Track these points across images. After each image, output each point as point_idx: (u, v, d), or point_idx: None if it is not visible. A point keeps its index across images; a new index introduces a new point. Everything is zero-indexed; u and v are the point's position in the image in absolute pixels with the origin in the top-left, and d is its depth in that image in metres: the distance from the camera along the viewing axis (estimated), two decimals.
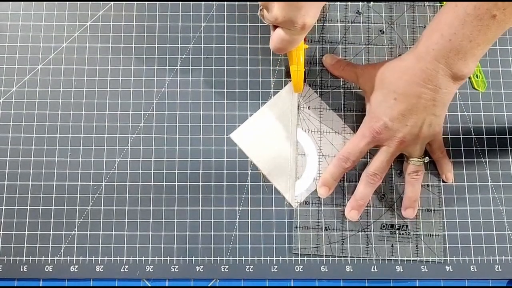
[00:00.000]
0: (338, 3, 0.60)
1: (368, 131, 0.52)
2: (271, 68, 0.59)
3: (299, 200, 0.55)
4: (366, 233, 0.55)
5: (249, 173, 0.56)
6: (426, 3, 0.60)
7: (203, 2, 0.60)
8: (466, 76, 0.48)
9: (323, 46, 0.59)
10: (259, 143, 0.57)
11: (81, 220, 0.55)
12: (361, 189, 0.54)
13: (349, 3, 0.60)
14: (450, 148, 0.57)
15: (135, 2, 0.60)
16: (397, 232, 0.55)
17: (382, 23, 0.60)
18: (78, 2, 0.60)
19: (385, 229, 0.55)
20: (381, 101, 0.51)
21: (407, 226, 0.55)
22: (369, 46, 0.59)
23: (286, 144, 0.57)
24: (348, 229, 0.55)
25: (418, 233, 0.55)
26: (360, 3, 0.60)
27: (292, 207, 0.55)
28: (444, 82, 0.48)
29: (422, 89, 0.48)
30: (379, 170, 0.53)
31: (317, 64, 0.59)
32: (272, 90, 0.58)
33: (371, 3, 0.60)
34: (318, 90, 0.58)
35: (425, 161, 0.54)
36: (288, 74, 0.57)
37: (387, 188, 0.56)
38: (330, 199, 0.55)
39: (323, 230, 0.55)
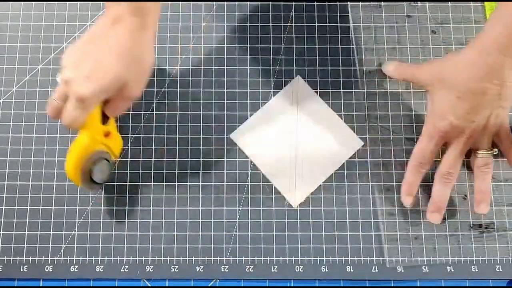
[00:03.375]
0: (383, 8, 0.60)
1: (435, 131, 0.50)
2: (271, 68, 0.59)
3: (300, 200, 0.55)
4: (457, 233, 0.54)
5: (249, 173, 0.56)
6: (472, 3, 0.60)
7: (203, 2, 0.60)
8: None
9: (378, 49, 0.59)
10: (259, 143, 0.56)
11: (81, 220, 0.55)
12: (437, 190, 0.52)
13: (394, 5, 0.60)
14: None
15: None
16: (485, 231, 0.54)
17: (433, 23, 0.59)
18: (78, 2, 0.60)
19: (474, 229, 0.54)
20: (444, 100, 0.49)
21: (494, 224, 0.54)
22: (423, 46, 0.58)
23: (286, 144, 0.56)
24: (436, 235, 0.54)
25: (506, 231, 0.54)
26: (405, 3, 0.60)
27: (292, 207, 0.55)
28: (510, 75, 0.46)
29: (486, 84, 0.46)
30: (452, 168, 0.51)
31: (317, 64, 0.59)
32: (272, 90, 0.58)
33: (418, 3, 0.60)
34: (318, 90, 0.58)
35: (494, 153, 0.52)
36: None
37: (468, 188, 0.55)
38: (416, 208, 0.55)
39: (412, 239, 0.54)
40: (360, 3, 0.60)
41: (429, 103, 0.52)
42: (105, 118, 0.51)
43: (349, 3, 0.60)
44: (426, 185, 0.55)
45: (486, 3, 0.60)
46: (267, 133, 0.57)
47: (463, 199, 0.55)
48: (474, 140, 0.51)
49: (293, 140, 0.57)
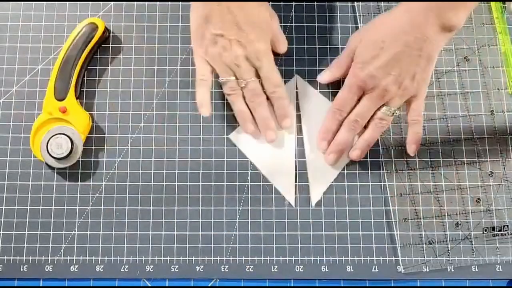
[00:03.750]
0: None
1: (354, 81, 0.52)
2: None
3: (315, 199, 0.55)
4: (470, 239, 0.54)
5: (249, 173, 0.56)
6: (482, 3, 0.60)
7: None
8: (455, 28, 0.49)
9: None
10: (258, 143, 0.56)
11: (81, 220, 0.55)
12: (342, 134, 0.54)
13: None
14: None
15: (135, 2, 0.60)
16: (498, 234, 0.54)
17: None
18: (78, 2, 0.60)
19: (487, 232, 0.54)
20: (368, 49, 0.52)
21: (508, 226, 0.55)
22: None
23: (285, 143, 0.56)
24: (450, 239, 0.54)
25: None
26: None
27: (292, 206, 0.55)
28: (432, 31, 0.49)
29: (409, 37, 0.49)
30: (360, 117, 0.53)
31: (317, 65, 0.59)
32: None
33: None
34: (318, 90, 0.58)
35: (396, 114, 0.53)
36: None
37: (481, 191, 0.56)
38: (428, 211, 0.55)
39: (425, 244, 0.54)
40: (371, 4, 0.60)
41: (354, 58, 0.54)
42: (63, 94, 0.55)
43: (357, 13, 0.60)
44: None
45: (492, 3, 0.60)
46: None
47: (476, 202, 0.55)
48: (389, 97, 0.52)
49: (293, 139, 0.56)
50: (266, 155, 0.56)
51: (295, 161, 0.56)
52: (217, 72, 0.53)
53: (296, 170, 0.56)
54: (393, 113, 0.53)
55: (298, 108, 0.58)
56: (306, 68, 0.59)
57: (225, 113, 0.57)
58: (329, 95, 0.58)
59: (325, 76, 0.57)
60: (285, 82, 0.58)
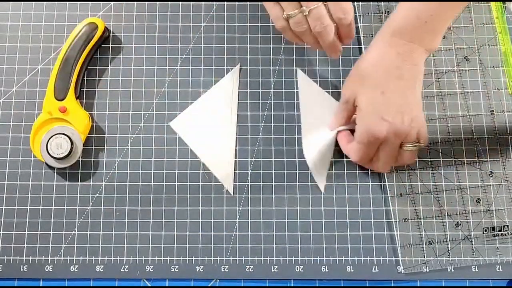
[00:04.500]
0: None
1: (373, 138, 0.49)
2: (271, 68, 0.59)
3: (322, 186, 0.55)
4: (470, 239, 0.54)
5: (249, 173, 0.56)
6: (482, 3, 0.60)
7: (203, 2, 0.60)
8: (436, 49, 0.51)
9: None
10: (198, 131, 0.56)
11: (81, 220, 0.55)
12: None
13: None
14: None
15: (135, 2, 0.60)
16: (498, 234, 0.54)
17: None
18: (78, 2, 0.60)
19: (487, 232, 0.54)
20: (373, 101, 0.49)
21: (508, 226, 0.55)
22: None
23: (225, 131, 0.56)
24: (450, 239, 0.54)
25: None
26: None
27: (230, 194, 0.55)
28: (418, 57, 0.49)
29: (402, 70, 0.49)
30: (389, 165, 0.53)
31: (317, 65, 0.59)
32: (272, 90, 0.58)
33: None
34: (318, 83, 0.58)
35: (421, 146, 0.51)
36: None
37: (481, 191, 0.55)
38: (428, 211, 0.55)
39: (426, 244, 0.54)
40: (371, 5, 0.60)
41: (358, 113, 0.51)
42: (62, 94, 0.55)
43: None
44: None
45: (492, 3, 0.60)
46: (206, 121, 0.57)
47: (476, 203, 0.55)
48: (406, 137, 0.50)
49: (233, 128, 0.56)
50: (206, 143, 0.56)
51: (235, 149, 0.56)
52: (283, 7, 0.49)
53: (236, 158, 0.56)
54: (419, 146, 0.51)
55: (298, 98, 0.58)
56: (306, 68, 0.59)
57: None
58: (329, 86, 0.58)
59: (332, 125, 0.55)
60: (286, 82, 0.58)
